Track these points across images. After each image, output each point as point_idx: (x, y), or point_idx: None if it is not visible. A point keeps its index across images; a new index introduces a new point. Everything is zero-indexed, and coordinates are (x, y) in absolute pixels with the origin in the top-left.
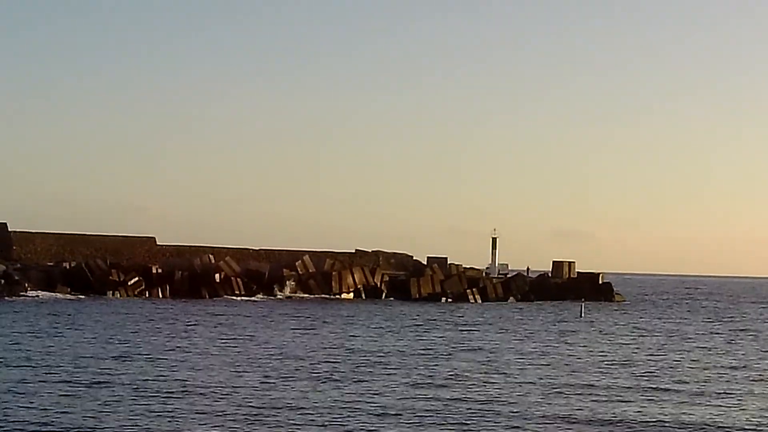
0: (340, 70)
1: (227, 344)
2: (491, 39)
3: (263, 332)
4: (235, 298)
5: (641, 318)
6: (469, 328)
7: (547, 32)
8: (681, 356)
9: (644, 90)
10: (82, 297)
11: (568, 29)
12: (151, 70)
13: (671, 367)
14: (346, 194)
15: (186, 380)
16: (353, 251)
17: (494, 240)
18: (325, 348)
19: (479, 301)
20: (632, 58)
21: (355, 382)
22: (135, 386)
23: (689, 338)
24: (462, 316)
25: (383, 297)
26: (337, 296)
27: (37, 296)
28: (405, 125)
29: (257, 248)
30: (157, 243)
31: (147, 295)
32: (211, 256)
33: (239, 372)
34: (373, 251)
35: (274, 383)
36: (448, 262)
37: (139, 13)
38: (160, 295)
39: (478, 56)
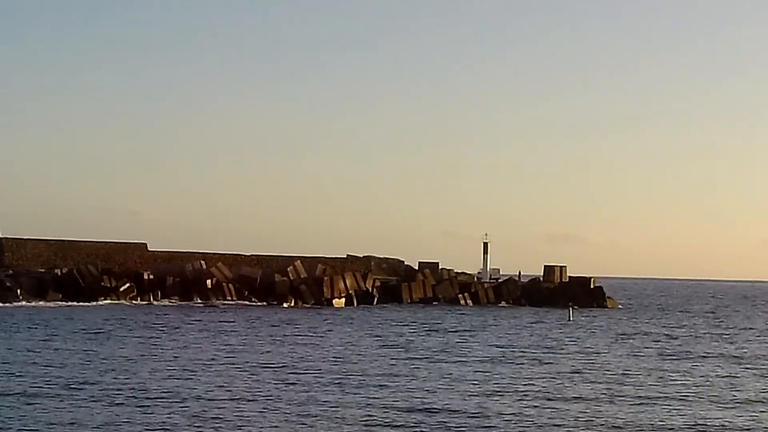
0: (333, 75)
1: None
2: (485, 44)
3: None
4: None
5: (627, 323)
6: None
7: (540, 38)
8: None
9: (637, 94)
10: (74, 304)
11: (561, 35)
12: (142, 75)
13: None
14: (337, 200)
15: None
16: (345, 257)
17: (485, 245)
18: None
19: (470, 306)
20: (625, 63)
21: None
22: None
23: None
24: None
25: (375, 302)
26: (329, 301)
27: (23, 305)
28: (397, 130)
29: (249, 254)
30: (149, 249)
31: (139, 301)
32: (202, 261)
33: None
34: (364, 256)
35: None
36: (440, 267)
37: (133, 17)
38: (152, 301)
39: (471, 61)
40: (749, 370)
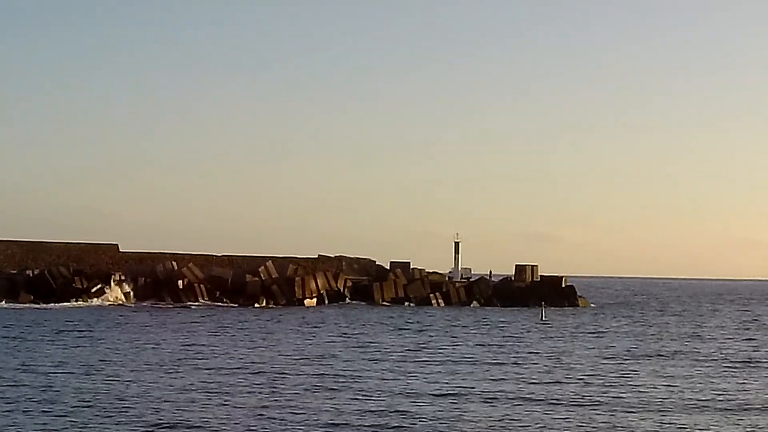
0: (300, 73)
1: None
2: (455, 43)
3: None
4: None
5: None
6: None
7: (512, 37)
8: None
9: (612, 94)
10: (46, 305)
11: (535, 35)
12: (114, 77)
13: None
14: (308, 200)
15: None
16: (316, 257)
17: (457, 244)
18: None
19: (442, 305)
20: (600, 62)
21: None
22: None
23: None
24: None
25: (346, 302)
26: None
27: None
28: (369, 130)
29: (220, 254)
30: (120, 250)
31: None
32: (173, 262)
33: None
34: (336, 256)
35: None
36: (411, 267)
37: (106, 18)
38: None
39: (443, 59)
40: (718, 370)
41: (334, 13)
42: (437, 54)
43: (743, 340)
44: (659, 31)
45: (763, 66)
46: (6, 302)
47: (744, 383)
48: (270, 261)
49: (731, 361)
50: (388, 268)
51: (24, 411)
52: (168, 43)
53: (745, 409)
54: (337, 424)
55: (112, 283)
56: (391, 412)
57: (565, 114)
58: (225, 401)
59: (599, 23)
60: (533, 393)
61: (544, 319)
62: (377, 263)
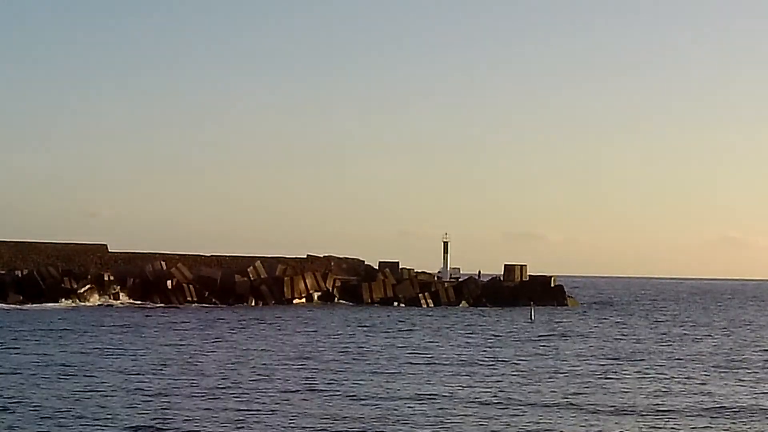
0: (288, 75)
1: None
2: (444, 44)
3: None
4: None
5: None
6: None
7: (499, 39)
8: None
9: (595, 94)
10: (35, 306)
11: (522, 36)
12: (100, 79)
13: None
14: (297, 199)
15: None
16: (305, 257)
17: (446, 244)
18: None
19: (431, 306)
20: (582, 64)
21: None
22: None
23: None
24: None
25: (335, 301)
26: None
27: None
28: (354, 130)
29: (209, 254)
30: (109, 250)
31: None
32: (162, 262)
33: None
34: (324, 256)
35: None
36: (400, 267)
37: (78, 19)
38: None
39: (431, 60)
40: (707, 371)
41: (321, 15)
42: (425, 55)
43: (731, 340)
44: (643, 32)
45: (748, 66)
46: None
47: (733, 385)
48: (259, 261)
49: (720, 362)
50: (377, 268)
51: (5, 412)
52: (159, 46)
53: (733, 412)
54: (322, 428)
55: (92, 284)
56: (377, 414)
57: (553, 115)
58: (210, 404)
59: (585, 23)
60: (520, 395)
61: (532, 318)
62: (366, 263)
